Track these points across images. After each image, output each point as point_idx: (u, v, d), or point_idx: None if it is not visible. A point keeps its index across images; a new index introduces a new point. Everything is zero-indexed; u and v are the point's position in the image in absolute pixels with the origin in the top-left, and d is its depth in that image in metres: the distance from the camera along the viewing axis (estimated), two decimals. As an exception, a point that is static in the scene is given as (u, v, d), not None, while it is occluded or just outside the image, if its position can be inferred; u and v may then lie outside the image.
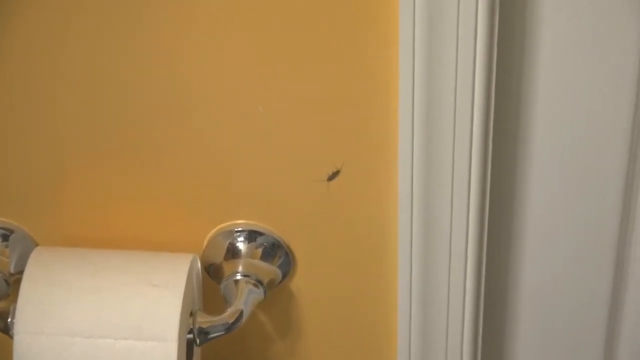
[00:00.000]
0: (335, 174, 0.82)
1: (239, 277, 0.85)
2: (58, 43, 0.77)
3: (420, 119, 0.77)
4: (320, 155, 0.82)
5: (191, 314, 0.83)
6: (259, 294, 0.85)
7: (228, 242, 0.87)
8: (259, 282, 0.85)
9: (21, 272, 0.82)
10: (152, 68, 0.77)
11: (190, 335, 0.82)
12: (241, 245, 0.87)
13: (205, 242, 0.87)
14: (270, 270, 0.87)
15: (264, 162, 0.83)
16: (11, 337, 0.80)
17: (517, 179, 0.84)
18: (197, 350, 0.85)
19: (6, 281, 0.86)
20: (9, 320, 0.80)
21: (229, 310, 0.83)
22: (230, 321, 0.82)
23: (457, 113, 0.77)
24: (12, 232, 0.86)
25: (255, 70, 0.77)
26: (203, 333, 0.82)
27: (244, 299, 0.83)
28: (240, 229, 0.86)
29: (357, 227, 0.86)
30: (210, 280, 0.88)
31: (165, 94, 0.79)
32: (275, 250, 0.87)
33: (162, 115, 0.80)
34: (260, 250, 0.86)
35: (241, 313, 0.82)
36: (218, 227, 0.87)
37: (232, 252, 0.87)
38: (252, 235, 0.86)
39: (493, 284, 0.89)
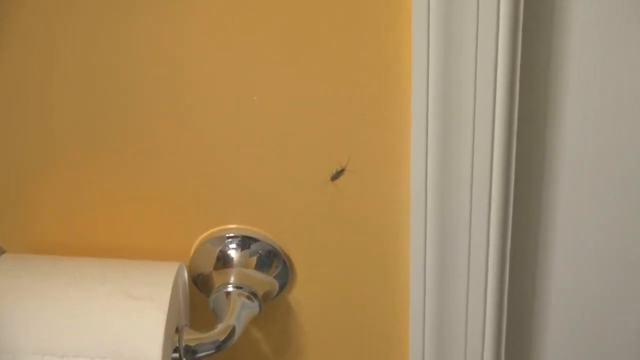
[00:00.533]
0: (339, 173, 0.81)
1: (230, 288, 0.84)
2: (50, 37, 0.77)
3: (435, 112, 0.76)
4: (323, 151, 0.81)
5: (177, 331, 0.82)
6: (253, 307, 0.84)
7: (218, 249, 0.85)
8: (253, 295, 0.84)
9: (-16, 283, 0.80)
10: (142, 65, 0.77)
11: (176, 355, 0.81)
12: (233, 252, 0.85)
13: (193, 250, 0.86)
14: (265, 281, 0.86)
15: (259, 160, 0.82)
16: (-27, 356, 0.78)
17: (545, 178, 0.83)
18: (183, 371, 0.83)
19: (-33, 293, 0.82)
20: (-29, 337, 0.78)
21: (220, 327, 0.81)
22: (221, 339, 0.81)
23: (477, 105, 0.76)
24: (-26, 237, 0.86)
25: (250, 61, 0.76)
26: (190, 352, 0.81)
27: (237, 313, 0.82)
28: (232, 234, 0.85)
29: (364, 232, 0.84)
30: (199, 293, 0.87)
31: (154, 91, 0.79)
32: (271, 259, 0.86)
33: (148, 112, 0.80)
34: (254, 259, 0.85)
35: (233, 329, 0.81)
36: (207, 233, 0.86)
37: (223, 261, 0.85)
38: (245, 242, 0.85)
39: (517, 297, 0.88)
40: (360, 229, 0.85)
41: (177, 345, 0.81)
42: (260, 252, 0.85)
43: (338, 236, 0.85)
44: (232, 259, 0.86)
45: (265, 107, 0.79)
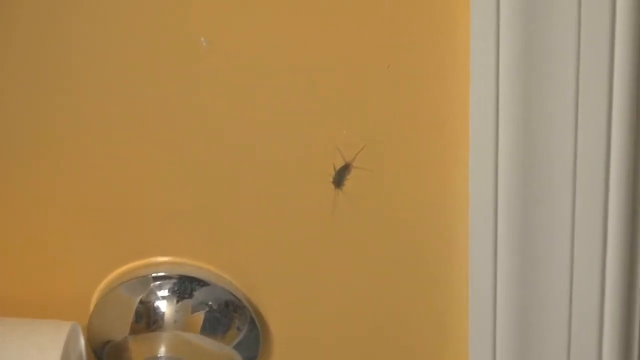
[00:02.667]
0: (343, 172, 0.73)
1: (159, 367, 0.81)
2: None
3: (510, 63, 0.70)
4: (318, 133, 0.74)
5: None
6: (197, 400, 0.81)
7: (138, 299, 0.78)
8: (197, 378, 0.81)
9: None
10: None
11: None
12: (164, 305, 0.78)
13: (94, 300, 0.79)
14: (220, 353, 0.79)
15: (209, 150, 0.76)
16: None
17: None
18: None
19: None
20: None
21: None
22: None
23: (583, 43, 0.69)
24: None
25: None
26: None
27: (169, 409, 0.81)
28: (162, 273, 0.78)
29: (391, 269, 0.78)
30: (105, 372, 0.82)
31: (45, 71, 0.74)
32: (230, 316, 0.79)
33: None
34: (201, 316, 0.78)
35: None
36: (119, 271, 0.78)
37: (147, 319, 0.78)
38: (185, 286, 0.78)
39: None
40: (384, 264, 0.78)
41: None
42: (210, 303, 0.78)
43: (343, 277, 0.79)
44: (162, 315, 0.78)
45: (221, 56, 0.73)
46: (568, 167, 0.74)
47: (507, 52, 0.71)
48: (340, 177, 0.74)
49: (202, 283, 0.78)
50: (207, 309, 0.78)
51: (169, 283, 0.78)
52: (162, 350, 0.78)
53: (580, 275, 0.77)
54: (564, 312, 0.78)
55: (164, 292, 0.78)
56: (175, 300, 0.78)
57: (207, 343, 0.78)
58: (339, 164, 0.74)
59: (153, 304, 0.78)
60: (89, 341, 0.79)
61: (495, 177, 0.74)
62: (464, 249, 0.77)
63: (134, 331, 0.78)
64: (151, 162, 0.77)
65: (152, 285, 0.78)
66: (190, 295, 0.78)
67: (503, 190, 0.75)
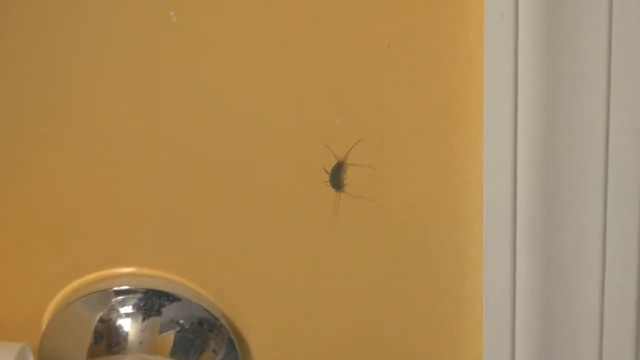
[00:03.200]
0: (337, 172, 0.71)
1: (121, 396, 0.78)
2: None
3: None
4: (309, 129, 0.71)
5: None
6: None
7: (97, 316, 0.74)
8: (165, 410, 0.79)
9: None
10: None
11: None
12: (127, 323, 0.74)
13: (47, 317, 0.74)
14: None
15: (179, 144, 0.71)
16: None
17: None
18: None
19: None
20: None
21: None
22: None
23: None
24: None
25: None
26: None
27: None
28: (125, 287, 0.74)
29: (392, 287, 0.74)
30: (59, 402, 0.78)
31: None
32: (204, 337, 0.75)
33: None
34: (170, 336, 0.74)
35: None
36: (76, 284, 0.74)
37: (108, 340, 0.74)
38: (152, 302, 0.74)
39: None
40: (387, 278, 0.74)
41: None
42: (182, 322, 0.75)
43: (338, 291, 0.74)
44: (124, 335, 0.74)
45: (192, 32, 0.69)
46: (599, 161, 0.69)
47: (528, 30, 0.67)
48: (336, 178, 0.71)
49: (171, 298, 0.75)
50: (178, 328, 0.75)
51: (133, 298, 0.75)
52: (124, 377, 0.78)
53: (613, 289, 0.72)
54: (594, 337, 0.74)
55: (128, 309, 0.75)
56: (140, 318, 0.75)
57: (177, 369, 0.79)
58: (331, 162, 0.71)
59: (115, 322, 0.75)
60: (40, 364, 0.76)
61: (514, 175, 0.70)
62: (478, 260, 0.73)
63: (92, 354, 0.74)
64: (111, 158, 0.73)
65: (113, 300, 0.75)
66: (158, 312, 0.75)
67: (523, 190, 0.70)
